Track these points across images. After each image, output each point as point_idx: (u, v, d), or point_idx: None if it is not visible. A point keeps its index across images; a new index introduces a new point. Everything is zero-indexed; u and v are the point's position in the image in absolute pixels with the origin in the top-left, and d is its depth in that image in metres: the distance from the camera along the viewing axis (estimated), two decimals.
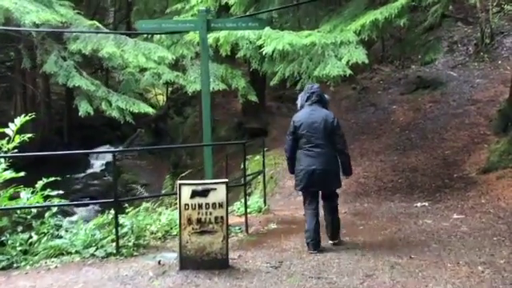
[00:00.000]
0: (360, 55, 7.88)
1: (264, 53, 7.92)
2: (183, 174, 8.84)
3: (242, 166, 7.18)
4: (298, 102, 6.18)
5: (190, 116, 18.66)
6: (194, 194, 5.06)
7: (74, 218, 18.95)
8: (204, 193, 5.07)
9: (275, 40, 7.82)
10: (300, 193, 6.47)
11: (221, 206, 5.12)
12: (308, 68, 8.13)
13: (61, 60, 10.18)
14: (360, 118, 13.48)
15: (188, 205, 5.05)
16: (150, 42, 11.18)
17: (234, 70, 11.99)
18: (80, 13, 11.63)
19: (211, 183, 5.22)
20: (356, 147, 11.77)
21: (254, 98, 12.04)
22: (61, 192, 7.34)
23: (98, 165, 24.87)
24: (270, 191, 11.01)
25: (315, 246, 5.74)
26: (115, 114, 10.34)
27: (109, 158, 25.44)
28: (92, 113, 10.32)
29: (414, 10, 14.48)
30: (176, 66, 12.08)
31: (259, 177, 11.71)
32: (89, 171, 24.55)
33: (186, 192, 5.06)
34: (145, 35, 10.83)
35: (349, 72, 7.85)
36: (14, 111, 22.88)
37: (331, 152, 5.83)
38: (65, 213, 19.11)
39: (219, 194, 5.11)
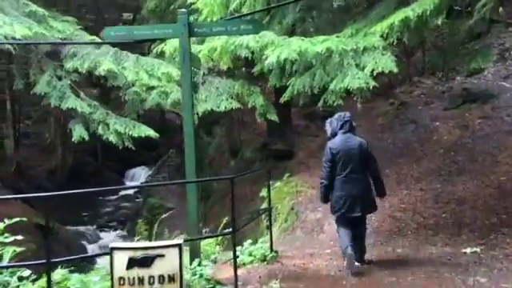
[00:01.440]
0: (387, 63, 6.07)
1: (266, 63, 6.24)
2: (161, 217, 7.18)
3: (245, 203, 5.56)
4: (328, 129, 6.10)
5: (217, 136, 17.12)
6: (133, 264, 3.41)
7: (98, 244, 17.77)
8: (146, 261, 3.41)
9: (279, 48, 6.13)
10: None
11: (172, 279, 3.43)
12: (322, 80, 6.38)
13: (55, 80, 8.87)
14: (398, 138, 11.47)
15: (124, 279, 3.40)
16: (157, 57, 9.73)
17: (252, 86, 10.34)
18: (84, 28, 10.39)
19: (157, 247, 3.53)
20: (392, 172, 9.82)
21: (274, 117, 10.33)
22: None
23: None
24: (289, 225, 9.24)
25: (357, 258, 5.66)
26: (113, 138, 8.90)
27: (143, 179, 24.42)
28: (87, 138, 8.93)
29: (459, 17, 12.49)
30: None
31: (279, 207, 9.98)
32: (122, 193, 23.49)
33: (121, 260, 3.41)
34: (150, 50, 9.35)
35: (372, 84, 6.06)
36: (48, 133, 22.15)
37: (367, 178, 5.96)
38: (87, 239, 18.00)
39: (169, 261, 3.43)
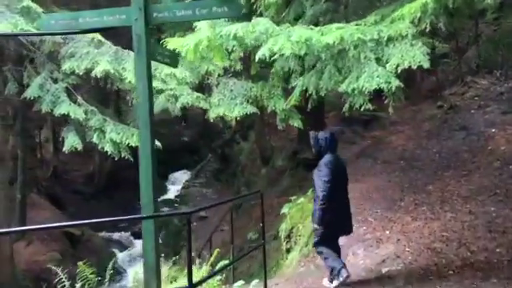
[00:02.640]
0: (416, 56, 4.44)
1: (256, 58, 4.78)
2: None
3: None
4: (322, 146, 5.63)
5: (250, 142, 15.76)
6: None
7: (129, 252, 16.84)
8: None
9: (274, 38, 4.65)
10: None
11: None
12: (331, 80, 4.83)
13: (49, 83, 7.82)
14: (445, 147, 9.61)
15: None
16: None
17: (273, 88, 8.85)
18: None
19: None
20: (435, 189, 8.05)
21: (297, 122, 8.81)
22: None
23: (173, 190, 22.86)
24: (311, 251, 7.71)
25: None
26: (108, 148, 7.71)
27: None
28: (80, 147, 7.80)
29: None
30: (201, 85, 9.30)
31: (300, 227, 8.45)
32: (163, 197, 22.62)
33: None
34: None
35: (396, 83, 4.46)
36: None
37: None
38: (120, 246, 17.11)
39: None
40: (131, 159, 23.13)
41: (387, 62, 4.58)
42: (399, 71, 4.48)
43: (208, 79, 8.98)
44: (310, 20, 7.18)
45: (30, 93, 7.64)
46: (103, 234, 17.52)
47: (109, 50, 8.07)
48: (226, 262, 6.12)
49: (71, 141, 7.67)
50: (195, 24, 5.42)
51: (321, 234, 5.56)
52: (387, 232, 6.96)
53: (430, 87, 13.06)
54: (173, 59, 4.67)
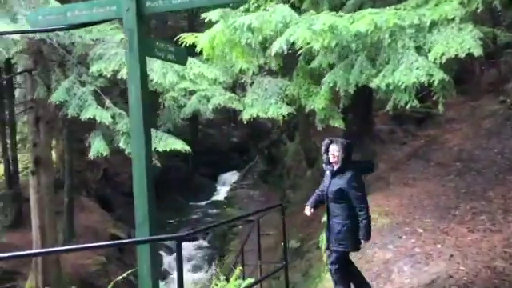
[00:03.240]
0: (466, 41, 3.61)
1: (272, 52, 4.10)
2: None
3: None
4: (350, 154, 5.03)
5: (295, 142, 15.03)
6: None
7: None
8: None
9: (294, 26, 3.96)
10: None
11: None
12: (362, 73, 4.08)
13: (76, 86, 7.50)
14: (508, 146, 8.48)
15: None
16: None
17: (312, 85, 8.10)
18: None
19: None
20: (497, 195, 7.03)
21: (338, 123, 8.00)
22: None
23: (223, 192, 22.50)
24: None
25: None
26: None
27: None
28: (106, 153, 7.41)
29: None
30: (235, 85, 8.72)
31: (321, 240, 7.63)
32: (213, 198, 22.31)
33: None
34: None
35: (439, 76, 3.65)
36: None
37: None
38: (168, 249, 16.86)
39: None
40: (180, 161, 22.77)
41: (429, 51, 3.78)
42: (444, 61, 3.67)
43: (242, 78, 8.37)
44: (351, 10, 6.42)
45: (55, 97, 7.35)
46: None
47: None
48: (252, 280, 5.50)
49: (97, 146, 7.31)
50: (204, 15, 4.82)
51: (343, 253, 5.10)
52: (439, 246, 6.07)
53: (491, 80, 11.80)
54: (179, 56, 4.08)
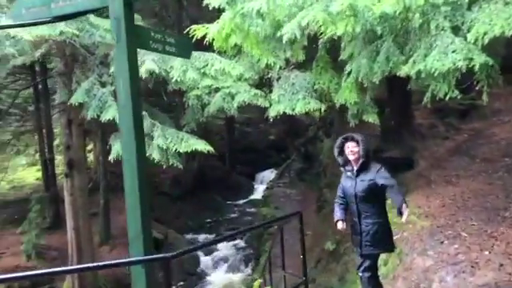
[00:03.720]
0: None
1: (284, 39, 3.58)
2: None
3: None
4: (366, 148, 4.53)
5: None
6: None
7: (212, 256, 16.21)
8: None
9: (306, 10, 3.43)
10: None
11: None
12: (388, 61, 3.50)
13: (96, 87, 7.21)
14: None
15: None
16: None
17: (338, 77, 7.51)
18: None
19: None
20: None
21: (372, 118, 7.42)
22: None
23: (260, 190, 22.04)
24: (389, 272, 6.30)
25: None
26: (155, 155, 6.89)
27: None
28: None
29: None
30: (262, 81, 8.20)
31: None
32: (251, 197, 21.89)
33: None
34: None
35: (481, 60, 3.04)
36: None
37: None
38: (206, 248, 16.51)
39: None
40: (217, 160, 22.39)
41: (469, 31, 3.17)
42: (486, 42, 3.06)
43: (268, 73, 7.87)
44: None
45: (75, 98, 7.08)
46: (188, 236, 17.11)
47: None
48: None
49: (118, 148, 6.99)
50: (207, 1, 4.33)
51: (377, 257, 4.89)
52: (486, 253, 5.38)
53: None
54: (181, 48, 3.63)
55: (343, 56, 5.08)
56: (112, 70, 7.27)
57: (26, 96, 14.52)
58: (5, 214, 14.22)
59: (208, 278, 14.68)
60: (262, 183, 22.83)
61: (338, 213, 4.82)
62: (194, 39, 4.49)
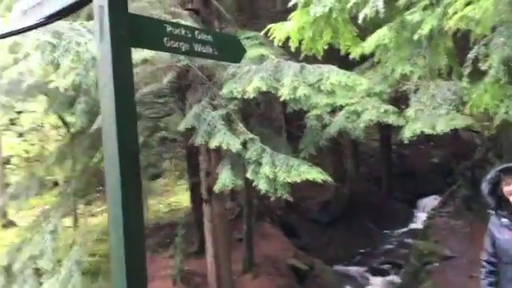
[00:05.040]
0: None
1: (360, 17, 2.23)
2: None
3: None
4: None
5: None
6: None
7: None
8: None
9: None
10: None
11: None
12: None
13: (207, 111, 6.52)
14: None
15: None
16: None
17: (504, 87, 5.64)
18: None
19: None
20: None
21: None
22: None
23: (422, 218, 19.50)
24: None
25: None
26: (262, 185, 5.82)
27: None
28: (230, 186, 6.15)
29: None
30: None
31: None
32: (411, 226, 19.54)
33: None
34: None
35: None
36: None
37: None
38: (355, 283, 14.84)
39: None
40: (372, 185, 20.61)
41: None
42: None
43: (403, 85, 6.35)
44: None
45: (185, 124, 6.49)
46: (336, 267, 15.67)
47: (269, 64, 6.34)
48: None
49: (224, 178, 6.15)
50: None
51: None
52: None
53: None
54: (225, 49, 2.55)
55: None
56: (223, 91, 6.54)
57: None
58: (158, 238, 14.63)
59: None
60: (424, 211, 20.28)
61: (485, 281, 3.24)
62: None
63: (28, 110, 13.79)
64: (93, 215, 16.41)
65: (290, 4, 3.25)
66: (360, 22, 2.72)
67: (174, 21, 3.43)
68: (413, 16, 5.25)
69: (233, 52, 2.70)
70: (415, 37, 5.11)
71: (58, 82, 5.70)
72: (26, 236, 8.62)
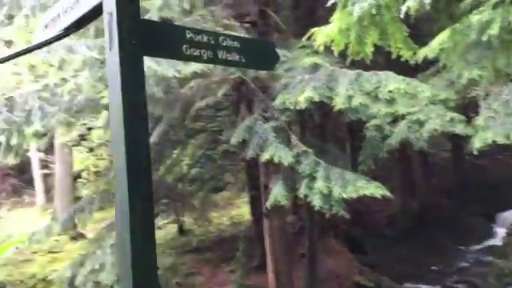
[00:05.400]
0: None
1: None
2: None
3: None
4: None
5: None
6: None
7: None
8: None
9: None
10: None
11: None
12: None
13: (259, 123, 6.27)
14: None
15: None
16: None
17: None
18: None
19: None
20: None
21: None
22: None
23: (501, 234, 18.00)
24: None
25: None
26: (316, 201, 5.44)
27: None
28: (284, 202, 5.81)
29: None
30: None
31: None
32: (489, 242, 18.08)
33: None
34: None
35: None
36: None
37: None
38: None
39: None
40: (444, 198, 19.39)
41: None
42: None
43: (472, 91, 5.78)
44: None
45: (236, 137, 6.30)
46: (407, 285, 14.78)
47: (323, 73, 6.01)
48: None
49: (276, 193, 5.86)
50: None
51: None
52: None
53: None
54: (254, 55, 2.31)
55: None
56: (276, 102, 6.29)
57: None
58: (220, 251, 14.54)
59: None
60: (503, 226, 18.73)
61: None
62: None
63: (97, 126, 14.30)
64: (159, 228, 16.66)
65: (329, 3, 2.98)
66: (402, 16, 2.36)
67: (195, 27, 3.24)
68: (481, 15, 4.75)
69: (263, 58, 2.43)
70: (484, 37, 4.60)
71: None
72: (89, 249, 8.77)
